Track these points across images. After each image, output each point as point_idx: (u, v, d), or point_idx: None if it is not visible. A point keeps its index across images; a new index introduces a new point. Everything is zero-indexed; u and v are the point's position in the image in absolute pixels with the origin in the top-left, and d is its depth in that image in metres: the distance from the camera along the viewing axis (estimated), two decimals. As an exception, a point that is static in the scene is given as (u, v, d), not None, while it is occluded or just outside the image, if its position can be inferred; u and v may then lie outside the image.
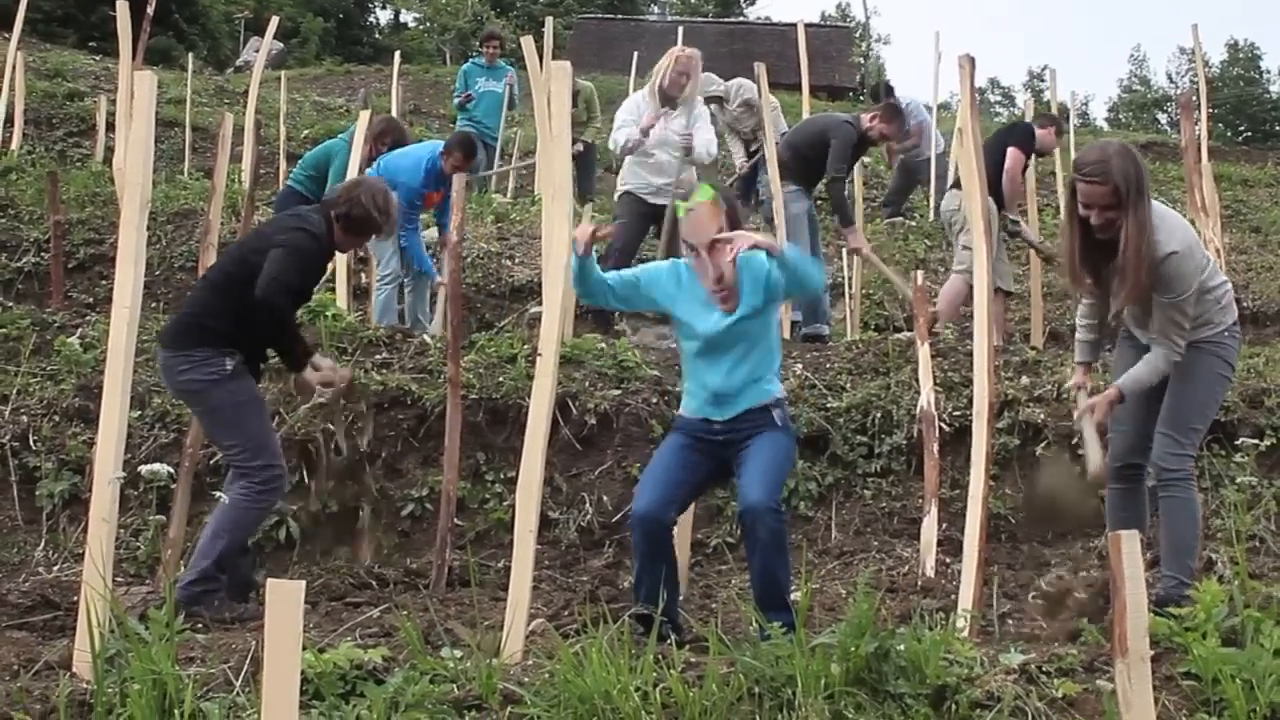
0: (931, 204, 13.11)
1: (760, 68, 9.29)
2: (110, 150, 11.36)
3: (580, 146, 11.86)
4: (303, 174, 8.64)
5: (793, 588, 4.49)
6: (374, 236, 5.64)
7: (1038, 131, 9.19)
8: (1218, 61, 50.17)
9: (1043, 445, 6.55)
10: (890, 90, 13.69)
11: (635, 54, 17.25)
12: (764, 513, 4.29)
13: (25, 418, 6.60)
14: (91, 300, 9.07)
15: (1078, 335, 4.94)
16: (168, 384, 5.42)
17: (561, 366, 6.20)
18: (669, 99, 7.97)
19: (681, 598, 4.81)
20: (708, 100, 12.32)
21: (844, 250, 9.49)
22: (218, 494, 5.30)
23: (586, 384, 6.83)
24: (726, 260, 4.32)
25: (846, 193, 9.26)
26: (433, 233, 9.10)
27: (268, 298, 5.01)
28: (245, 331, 5.13)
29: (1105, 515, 4.99)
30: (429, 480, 6.38)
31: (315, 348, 5.73)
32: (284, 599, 2.40)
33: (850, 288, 9.17)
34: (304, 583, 2.47)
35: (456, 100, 13.06)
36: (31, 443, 6.48)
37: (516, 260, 10.14)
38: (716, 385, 4.45)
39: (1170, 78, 56.16)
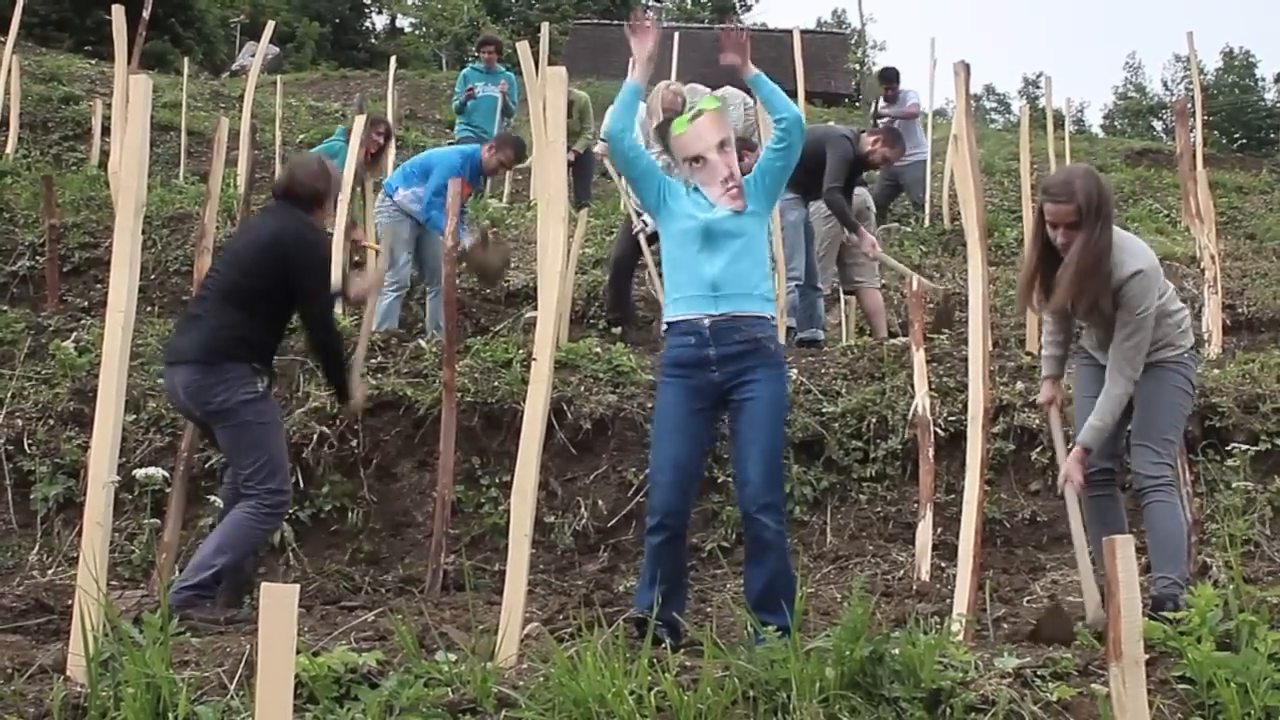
0: (928, 211, 13.13)
1: (756, 73, 9.27)
2: (105, 154, 11.33)
3: (571, 157, 11.86)
4: None
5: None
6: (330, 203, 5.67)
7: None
8: (1213, 69, 50.25)
9: (1037, 450, 6.56)
10: (897, 76, 13.53)
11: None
12: (768, 506, 4.37)
13: (20, 421, 6.59)
14: (86, 304, 9.05)
15: (1044, 351, 5.13)
16: (192, 403, 5.13)
17: (557, 371, 6.22)
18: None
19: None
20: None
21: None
22: (212, 498, 5.29)
23: (582, 389, 6.83)
24: (733, 160, 4.59)
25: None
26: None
27: (328, 340, 5.42)
28: (275, 338, 5.31)
29: (1087, 524, 5.02)
30: (424, 484, 6.38)
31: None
32: (278, 602, 2.40)
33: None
34: (298, 586, 2.46)
35: (456, 103, 13.04)
36: (26, 446, 6.47)
37: (512, 265, 10.14)
38: (714, 275, 4.48)
39: (1166, 85, 56.33)
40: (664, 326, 4.75)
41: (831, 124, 11.43)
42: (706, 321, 4.46)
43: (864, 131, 9.08)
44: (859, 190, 9.22)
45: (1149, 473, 4.69)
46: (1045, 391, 5.12)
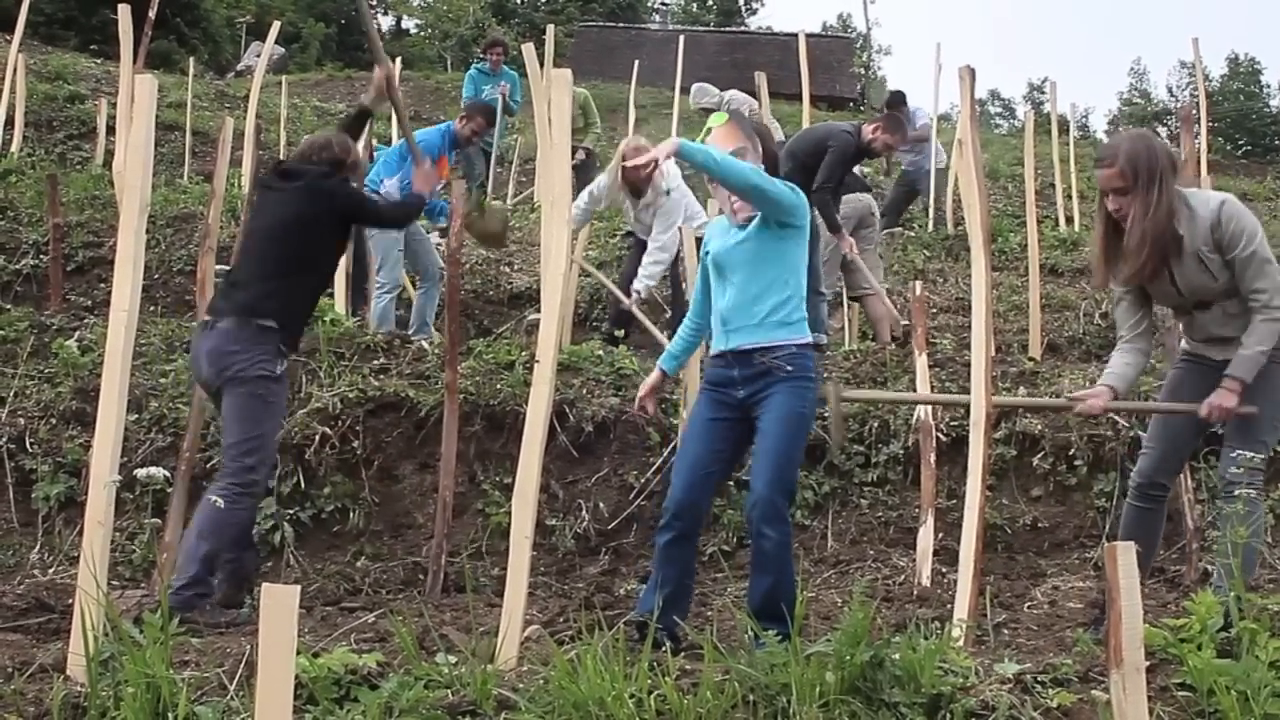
0: (931, 216, 13.13)
1: (761, 77, 9.31)
2: (110, 153, 11.36)
3: (582, 155, 11.88)
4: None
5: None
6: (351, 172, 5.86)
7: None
8: (1218, 75, 50.24)
9: (1039, 456, 6.56)
10: (903, 99, 13.60)
11: (636, 62, 17.22)
12: (770, 516, 4.34)
13: (22, 420, 6.60)
14: (90, 303, 9.06)
15: (1116, 359, 4.64)
16: (212, 369, 5.16)
17: (559, 373, 6.21)
18: (636, 191, 8.07)
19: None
20: (703, 111, 12.37)
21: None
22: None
23: (584, 391, 6.83)
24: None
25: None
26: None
27: (396, 218, 6.43)
28: (311, 307, 5.45)
29: (1119, 531, 4.91)
30: (425, 486, 6.38)
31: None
32: (279, 603, 2.39)
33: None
34: (299, 587, 2.46)
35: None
36: (28, 445, 6.48)
37: (515, 267, 10.15)
38: (723, 308, 4.51)
39: (1170, 91, 56.25)
40: None
41: (833, 121, 11.42)
42: (729, 355, 4.52)
43: (864, 123, 9.08)
44: (864, 196, 9.23)
45: (1230, 478, 4.41)
46: (1094, 396, 4.55)
